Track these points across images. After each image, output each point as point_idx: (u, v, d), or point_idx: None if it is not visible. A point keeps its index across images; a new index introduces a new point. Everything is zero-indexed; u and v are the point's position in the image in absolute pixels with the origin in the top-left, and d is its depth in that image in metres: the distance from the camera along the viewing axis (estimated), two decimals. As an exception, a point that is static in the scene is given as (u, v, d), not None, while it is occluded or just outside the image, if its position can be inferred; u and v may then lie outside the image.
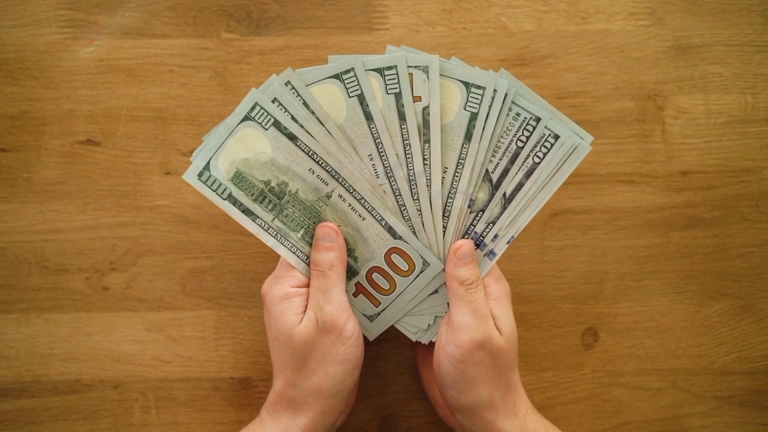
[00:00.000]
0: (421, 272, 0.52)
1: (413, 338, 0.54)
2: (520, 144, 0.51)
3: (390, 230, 0.52)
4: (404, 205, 0.51)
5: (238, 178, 0.50)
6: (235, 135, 0.50)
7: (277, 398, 0.50)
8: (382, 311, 0.53)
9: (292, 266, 0.51)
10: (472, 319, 0.48)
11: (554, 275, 0.61)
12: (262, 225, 0.51)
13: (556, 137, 0.50)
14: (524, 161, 0.51)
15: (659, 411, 0.61)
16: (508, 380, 0.50)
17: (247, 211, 0.50)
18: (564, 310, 0.61)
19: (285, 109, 0.50)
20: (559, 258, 0.62)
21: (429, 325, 0.53)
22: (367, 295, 0.53)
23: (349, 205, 0.51)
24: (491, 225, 0.52)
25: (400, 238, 0.52)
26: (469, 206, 0.52)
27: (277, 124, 0.50)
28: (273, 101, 0.50)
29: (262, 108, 0.50)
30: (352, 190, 0.51)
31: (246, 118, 0.50)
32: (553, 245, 0.62)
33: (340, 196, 0.51)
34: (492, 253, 0.52)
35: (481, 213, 0.52)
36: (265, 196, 0.50)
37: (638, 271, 0.62)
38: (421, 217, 0.51)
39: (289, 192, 0.51)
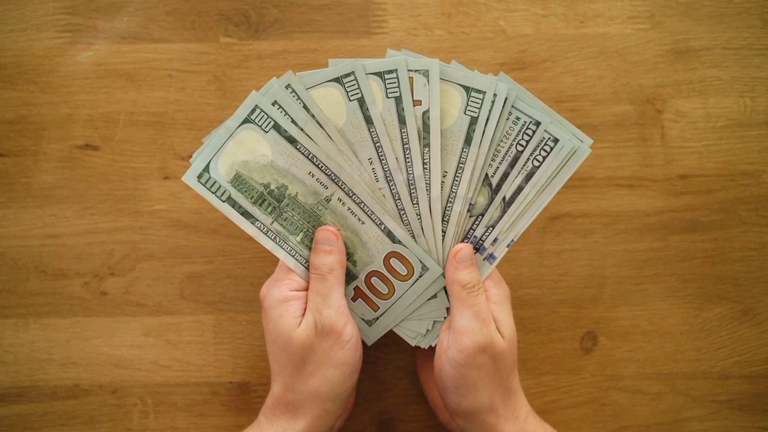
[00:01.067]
0: (420, 277, 0.52)
1: (412, 343, 0.54)
2: (519, 148, 0.51)
3: (389, 234, 0.51)
4: (403, 210, 0.51)
5: (238, 181, 0.50)
6: (235, 137, 0.50)
7: (275, 402, 0.50)
8: (380, 316, 0.53)
9: (290, 269, 0.51)
10: (474, 322, 0.48)
11: (553, 279, 0.61)
12: (261, 228, 0.51)
13: (556, 141, 0.50)
14: (524, 165, 0.51)
15: (658, 415, 0.61)
16: (508, 384, 0.50)
17: (246, 214, 0.50)
18: (563, 314, 0.61)
19: (285, 112, 0.50)
20: (558, 262, 0.61)
21: (428, 329, 0.53)
22: (365, 299, 0.53)
23: (349, 208, 0.51)
24: (491, 229, 0.52)
25: (399, 242, 0.51)
26: (468, 210, 0.51)
27: (277, 127, 0.50)
28: (273, 104, 0.50)
29: (262, 111, 0.49)
30: (351, 194, 0.51)
31: (246, 120, 0.50)
32: (552, 249, 0.62)
33: (339, 199, 0.51)
34: (492, 256, 0.52)
35: (480, 217, 0.52)
36: (265, 199, 0.50)
37: (637, 275, 0.62)
38: (421, 222, 0.51)
39: (289, 195, 0.51)
